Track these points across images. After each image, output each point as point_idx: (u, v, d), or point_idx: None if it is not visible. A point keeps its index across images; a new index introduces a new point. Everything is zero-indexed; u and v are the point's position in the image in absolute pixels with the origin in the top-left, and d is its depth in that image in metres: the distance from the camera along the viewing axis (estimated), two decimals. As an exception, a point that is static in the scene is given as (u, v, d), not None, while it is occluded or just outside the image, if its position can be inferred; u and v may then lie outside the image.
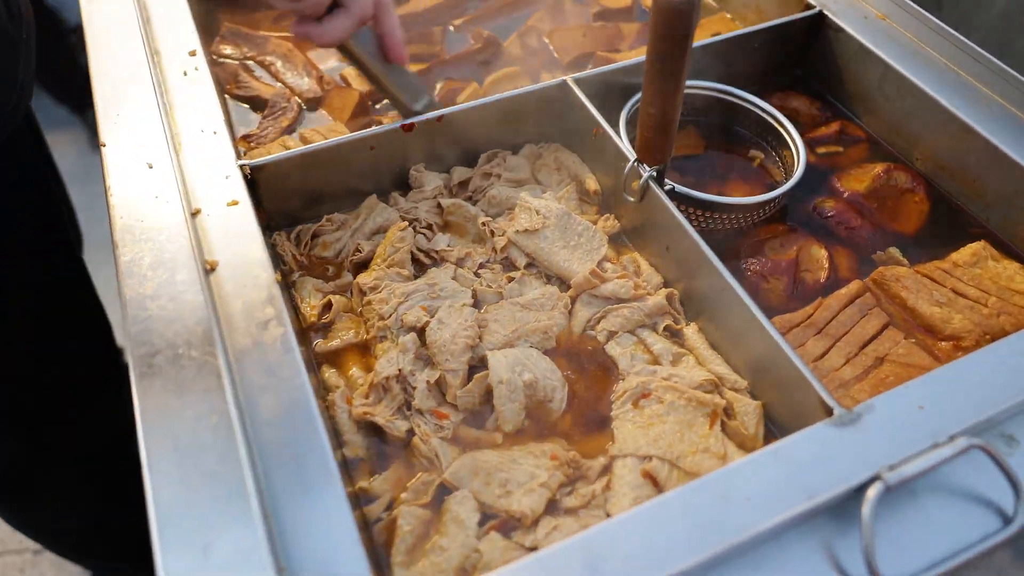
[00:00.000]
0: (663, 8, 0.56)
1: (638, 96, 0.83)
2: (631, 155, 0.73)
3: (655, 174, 0.71)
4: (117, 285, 0.62)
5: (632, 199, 0.73)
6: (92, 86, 0.78)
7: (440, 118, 0.77)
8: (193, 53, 0.82)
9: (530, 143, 0.85)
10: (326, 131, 0.86)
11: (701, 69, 0.88)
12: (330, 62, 1.00)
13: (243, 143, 0.87)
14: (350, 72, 0.95)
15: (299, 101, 0.93)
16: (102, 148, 0.72)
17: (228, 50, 0.99)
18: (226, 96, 0.93)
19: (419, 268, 0.75)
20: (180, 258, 0.63)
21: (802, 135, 0.83)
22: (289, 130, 0.89)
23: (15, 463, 0.97)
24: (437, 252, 0.75)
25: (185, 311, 0.59)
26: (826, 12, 0.90)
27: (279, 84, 0.94)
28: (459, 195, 0.81)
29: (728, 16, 1.06)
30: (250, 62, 0.97)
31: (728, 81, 0.87)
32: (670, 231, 0.70)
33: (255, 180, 0.72)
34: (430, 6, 1.03)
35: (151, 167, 0.70)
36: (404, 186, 0.82)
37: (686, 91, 0.87)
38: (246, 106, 0.93)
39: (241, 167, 0.71)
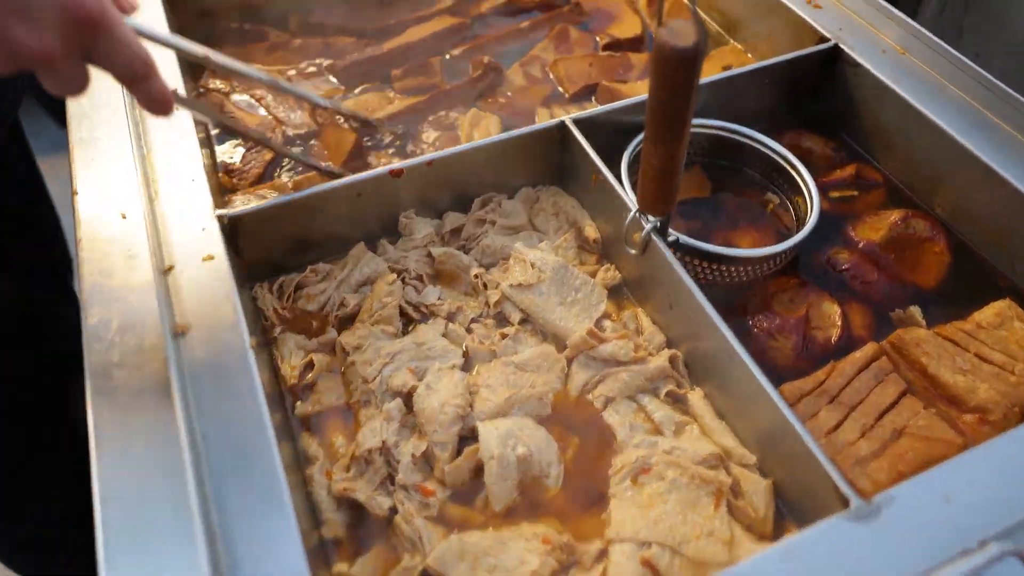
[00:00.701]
0: (666, 55, 0.51)
1: (641, 136, 0.79)
2: (633, 205, 0.68)
3: (658, 225, 0.66)
4: (83, 348, 0.59)
5: (634, 251, 0.69)
6: (68, 129, 0.74)
7: (430, 163, 0.73)
8: (174, 91, 0.78)
9: (527, 186, 0.81)
10: (316, 174, 0.82)
11: (708, 105, 0.83)
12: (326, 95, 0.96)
13: (225, 178, 0.83)
14: (349, 105, 0.91)
15: (284, 131, 0.89)
16: (74, 196, 0.69)
17: (218, 84, 0.95)
18: (209, 129, 0.89)
19: (408, 323, 0.71)
20: (149, 321, 0.59)
21: (816, 177, 0.78)
22: (278, 162, 0.86)
23: None
24: (427, 306, 0.71)
25: (151, 383, 0.55)
26: (842, 46, 0.85)
27: (267, 115, 0.90)
28: (451, 243, 0.77)
29: (739, 47, 1.01)
30: (240, 96, 0.94)
31: (737, 118, 0.83)
32: (673, 288, 0.66)
33: (234, 230, 0.69)
34: (427, 35, 0.99)
35: (124, 217, 0.67)
36: (394, 231, 0.77)
37: (692, 130, 0.83)
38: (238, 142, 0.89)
39: (219, 217, 0.67)
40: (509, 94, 0.95)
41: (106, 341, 0.58)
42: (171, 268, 0.63)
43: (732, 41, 1.02)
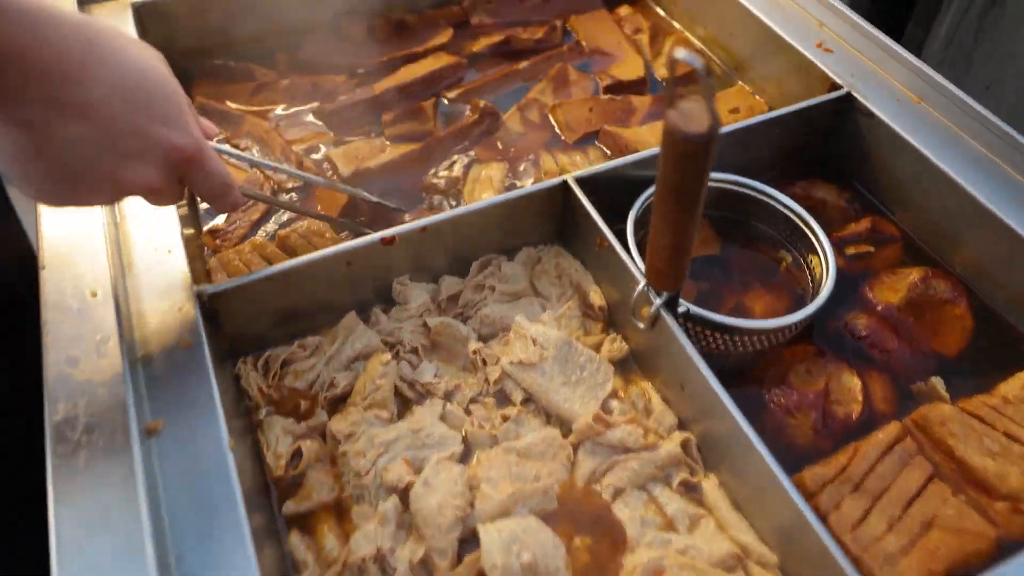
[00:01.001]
0: (678, 140, 0.47)
1: (648, 194, 0.75)
2: (640, 277, 0.64)
3: (667, 301, 0.62)
4: (47, 449, 0.54)
5: (642, 325, 0.64)
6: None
7: (424, 228, 0.69)
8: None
9: (528, 246, 0.76)
10: (306, 231, 0.77)
11: (717, 156, 0.79)
12: (319, 148, 0.91)
13: (208, 239, 0.78)
14: (337, 155, 0.87)
15: (273, 187, 0.84)
16: (41, 271, 0.64)
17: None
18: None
19: (402, 402, 0.66)
20: (118, 419, 0.54)
21: (829, 231, 0.74)
22: (262, 222, 0.81)
23: None
24: (423, 384, 0.66)
25: (119, 496, 0.50)
26: (855, 94, 0.82)
27: (253, 169, 0.86)
28: (448, 310, 0.73)
29: (747, 88, 0.97)
30: (223, 144, 0.89)
31: (746, 165, 0.79)
32: (684, 366, 0.62)
33: (214, 308, 0.64)
34: (420, 76, 0.95)
35: (95, 295, 0.62)
36: (387, 297, 0.73)
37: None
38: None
39: (198, 295, 0.62)
40: (507, 141, 0.90)
41: (71, 442, 0.53)
42: (144, 356, 0.59)
43: (739, 82, 0.98)
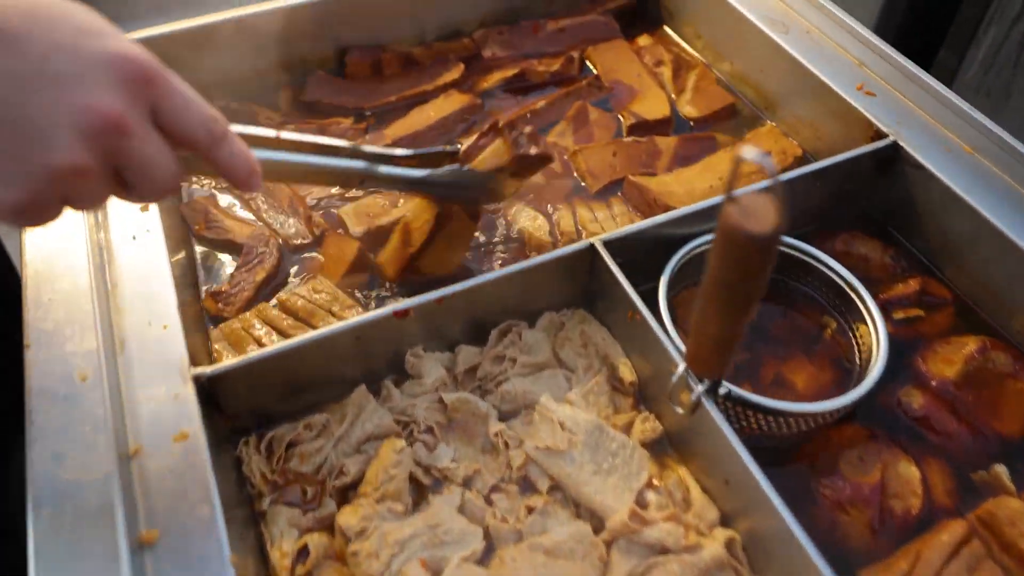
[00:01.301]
0: (739, 237, 0.42)
1: (680, 256, 0.69)
2: (679, 360, 0.59)
3: (710, 387, 0.57)
4: (28, 562, 0.49)
5: (680, 411, 0.59)
6: (23, 262, 0.64)
7: (440, 300, 0.64)
8: (145, 208, 0.68)
9: (550, 310, 0.71)
10: (309, 293, 0.72)
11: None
12: (327, 203, 0.84)
13: (210, 302, 0.73)
14: (347, 213, 0.81)
15: (279, 243, 0.79)
16: (26, 350, 0.59)
17: (196, 177, 0.85)
18: (194, 240, 0.79)
19: (417, 489, 0.61)
20: (108, 531, 0.49)
21: (874, 292, 0.69)
22: (268, 284, 0.75)
23: None
24: (439, 470, 0.61)
25: (108, 626, 0.45)
26: (901, 143, 0.76)
27: (259, 223, 0.80)
28: (466, 383, 0.67)
29: (777, 129, 0.91)
30: (224, 194, 0.84)
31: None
32: (727, 459, 0.56)
33: (213, 391, 0.59)
34: (434, 120, 0.89)
35: (84, 380, 0.57)
36: (399, 369, 0.68)
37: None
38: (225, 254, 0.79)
39: (195, 378, 0.57)
40: (525, 190, 0.85)
41: (55, 562, 0.48)
42: (137, 451, 0.53)
43: (769, 122, 0.93)
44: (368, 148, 0.65)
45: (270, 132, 0.60)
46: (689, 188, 0.83)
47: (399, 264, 0.75)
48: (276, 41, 0.95)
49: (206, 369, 0.58)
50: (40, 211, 0.42)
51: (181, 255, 0.75)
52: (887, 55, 0.84)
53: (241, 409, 0.63)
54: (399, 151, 0.67)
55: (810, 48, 0.87)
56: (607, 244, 0.67)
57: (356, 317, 0.62)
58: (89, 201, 0.43)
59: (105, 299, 0.62)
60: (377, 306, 0.74)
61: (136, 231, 0.67)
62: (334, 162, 0.63)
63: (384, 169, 0.66)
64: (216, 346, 0.69)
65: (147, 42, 0.88)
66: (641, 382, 0.67)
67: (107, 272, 0.64)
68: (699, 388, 0.57)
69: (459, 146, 0.72)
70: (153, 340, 0.60)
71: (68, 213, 0.44)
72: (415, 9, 1.01)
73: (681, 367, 0.58)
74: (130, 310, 0.61)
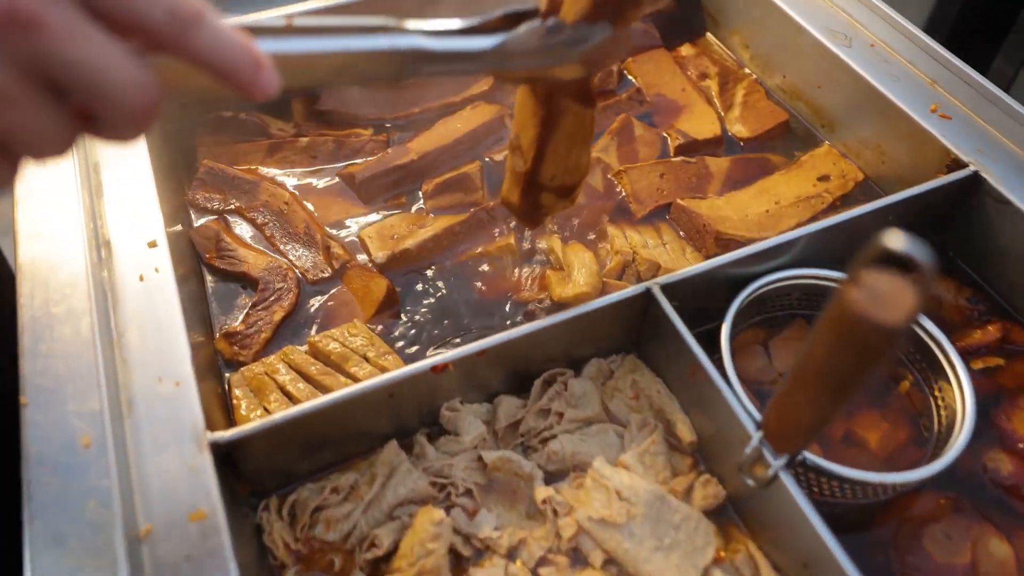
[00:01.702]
0: (864, 326, 0.35)
1: (743, 297, 0.63)
2: (752, 430, 0.53)
3: (789, 462, 0.51)
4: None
5: (752, 483, 0.53)
6: (17, 304, 0.58)
7: (483, 352, 0.57)
8: (154, 244, 0.62)
9: (597, 356, 0.65)
10: (344, 336, 0.66)
11: (818, 250, 0.67)
12: (347, 224, 0.77)
13: (224, 346, 0.67)
14: (370, 235, 0.74)
15: (297, 277, 0.72)
16: (23, 409, 0.53)
17: (206, 198, 0.78)
18: (204, 269, 0.73)
19: (455, 558, 0.55)
20: (117, 631, 0.43)
21: (951, 339, 0.63)
22: (287, 321, 0.69)
23: None
24: (480, 539, 0.55)
25: None
26: (983, 175, 0.69)
27: (275, 254, 0.74)
28: (507, 439, 0.61)
29: (835, 151, 0.84)
30: (236, 217, 0.77)
31: (847, 256, 0.66)
32: (807, 540, 0.50)
33: (231, 456, 0.53)
34: (461, 135, 0.82)
35: (88, 446, 0.51)
36: (432, 420, 0.62)
37: (795, 280, 0.68)
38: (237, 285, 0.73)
39: (213, 445, 0.51)
40: (564, 212, 0.78)
41: (57, 663, 0.43)
42: (147, 532, 0.47)
43: (826, 142, 0.86)
44: (413, 23, 0.45)
45: (278, 21, 0.38)
46: (743, 214, 0.77)
47: (520, 190, 0.60)
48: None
49: (224, 434, 0.52)
50: None
51: (191, 285, 0.69)
52: (964, 73, 0.77)
53: (261, 470, 0.57)
54: (456, 22, 0.47)
55: (876, 64, 0.80)
56: (666, 288, 0.61)
57: (391, 373, 0.56)
58: (37, 142, 0.30)
59: (110, 350, 0.56)
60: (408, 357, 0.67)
61: (144, 270, 0.60)
62: (369, 43, 0.43)
63: (437, 44, 0.46)
64: (236, 391, 0.63)
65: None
66: (700, 440, 0.61)
67: (112, 318, 0.57)
68: (777, 463, 0.51)
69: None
70: (164, 399, 0.53)
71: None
72: (439, 14, 0.94)
73: (755, 438, 0.52)
74: (138, 364, 0.55)
